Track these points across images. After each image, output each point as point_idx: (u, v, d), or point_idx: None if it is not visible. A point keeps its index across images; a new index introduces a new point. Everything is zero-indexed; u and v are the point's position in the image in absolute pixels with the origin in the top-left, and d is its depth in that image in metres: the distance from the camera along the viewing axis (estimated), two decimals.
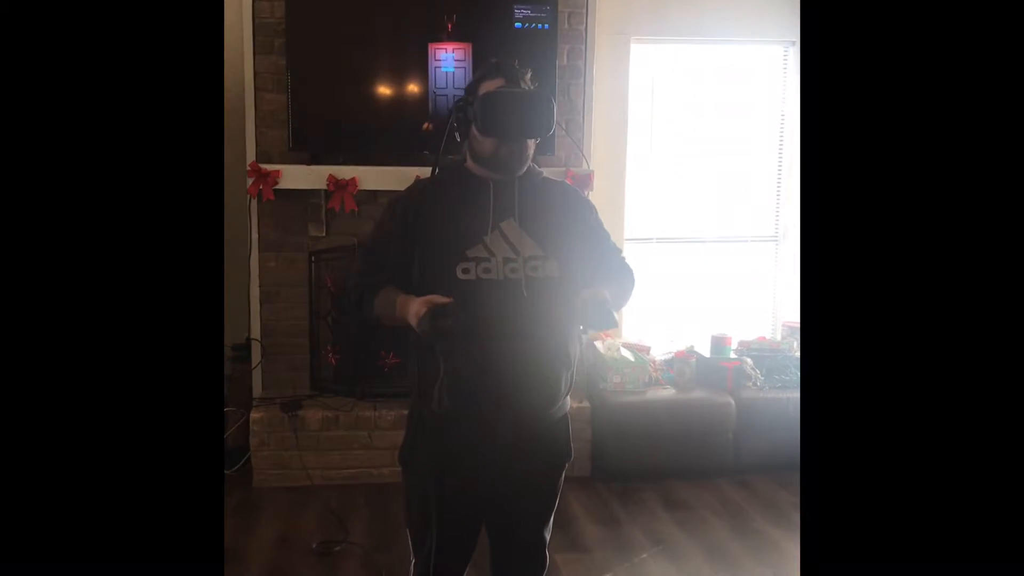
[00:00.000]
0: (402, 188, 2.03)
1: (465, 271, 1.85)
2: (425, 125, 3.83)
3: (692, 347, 4.41)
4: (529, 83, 1.91)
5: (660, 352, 4.43)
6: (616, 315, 1.82)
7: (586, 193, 3.94)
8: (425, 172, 2.00)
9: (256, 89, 3.88)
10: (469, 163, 1.96)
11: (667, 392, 4.17)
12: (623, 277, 2.05)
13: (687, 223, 4.64)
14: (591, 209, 2.06)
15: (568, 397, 2.01)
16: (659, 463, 4.00)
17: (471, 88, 1.93)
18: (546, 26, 3.87)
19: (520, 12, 3.84)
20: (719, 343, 4.37)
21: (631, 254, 4.40)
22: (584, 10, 4.08)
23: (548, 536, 2.08)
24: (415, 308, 1.78)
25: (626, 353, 4.20)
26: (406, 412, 2.05)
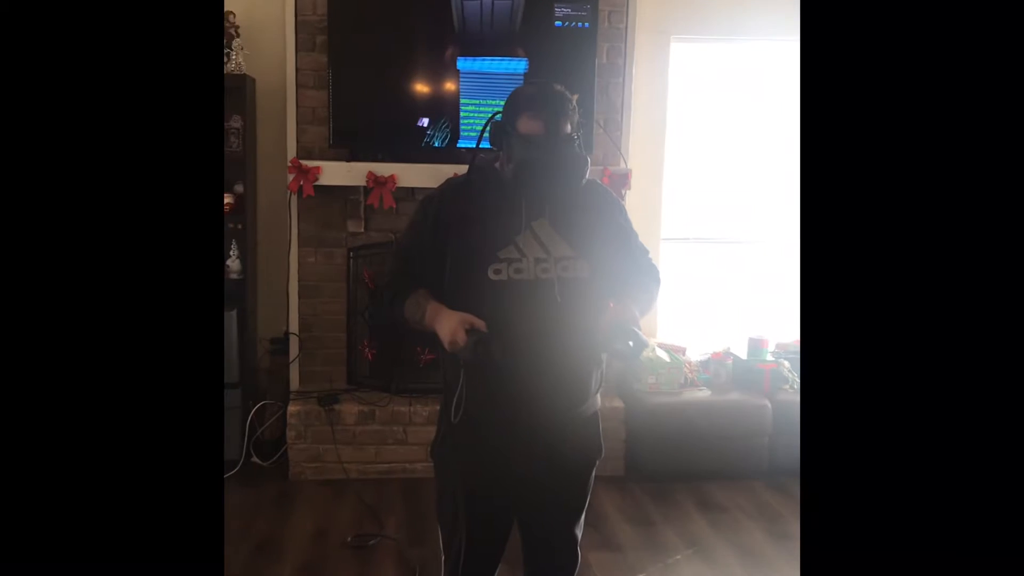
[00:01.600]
0: (439, 185, 2.04)
1: (497, 271, 1.86)
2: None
3: (728, 349, 4.38)
4: (571, 122, 1.87)
5: (696, 353, 4.41)
6: (643, 334, 1.82)
7: (623, 192, 3.94)
8: (462, 170, 2.01)
9: (298, 86, 3.92)
10: (500, 165, 1.96)
11: (703, 394, 4.14)
12: (649, 280, 2.06)
13: (724, 223, 4.61)
14: (621, 209, 2.06)
15: (598, 395, 2.02)
16: (694, 464, 3.98)
17: (510, 112, 1.90)
18: (586, 24, 3.86)
19: (560, 10, 3.83)
20: (756, 345, 4.33)
21: (667, 254, 4.39)
22: (625, 8, 4.07)
23: (580, 533, 2.08)
24: (448, 324, 1.80)
25: (662, 353, 4.18)
26: (438, 408, 2.06)
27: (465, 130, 3.86)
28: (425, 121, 3.87)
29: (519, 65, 3.84)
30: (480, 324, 1.80)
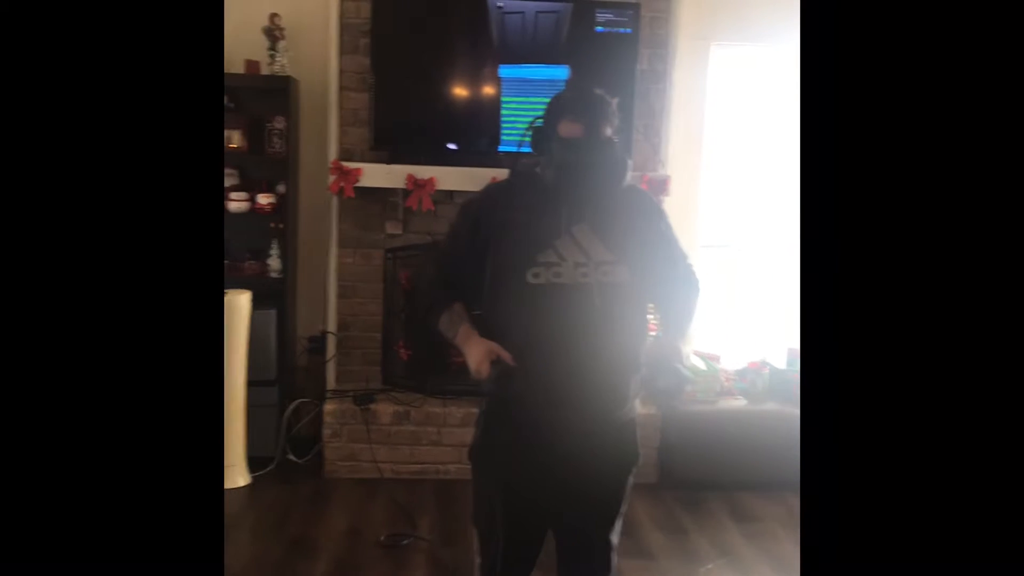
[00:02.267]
0: (478, 189, 2.06)
1: (535, 275, 1.87)
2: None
3: (765, 358, 4.34)
4: (611, 126, 1.88)
5: (732, 362, 4.37)
6: (685, 369, 1.84)
7: (662, 198, 3.92)
8: (501, 174, 2.02)
9: (340, 88, 3.96)
10: (541, 170, 1.96)
11: (738, 403, 4.11)
12: (689, 291, 2.05)
13: (763, 230, 4.57)
14: (661, 215, 2.05)
15: (636, 401, 2.02)
16: (728, 473, 3.95)
17: (550, 117, 1.91)
18: (628, 30, 3.86)
19: (602, 16, 3.84)
20: (794, 355, 4.29)
21: (705, 260, 4.36)
22: (666, 15, 4.06)
23: (616, 540, 2.08)
24: (475, 353, 1.86)
25: (697, 361, 4.16)
26: (474, 410, 2.08)
27: (506, 135, 3.88)
28: (461, 131, 3.89)
29: (560, 72, 3.85)
30: (506, 356, 1.83)
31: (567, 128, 1.86)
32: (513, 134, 3.82)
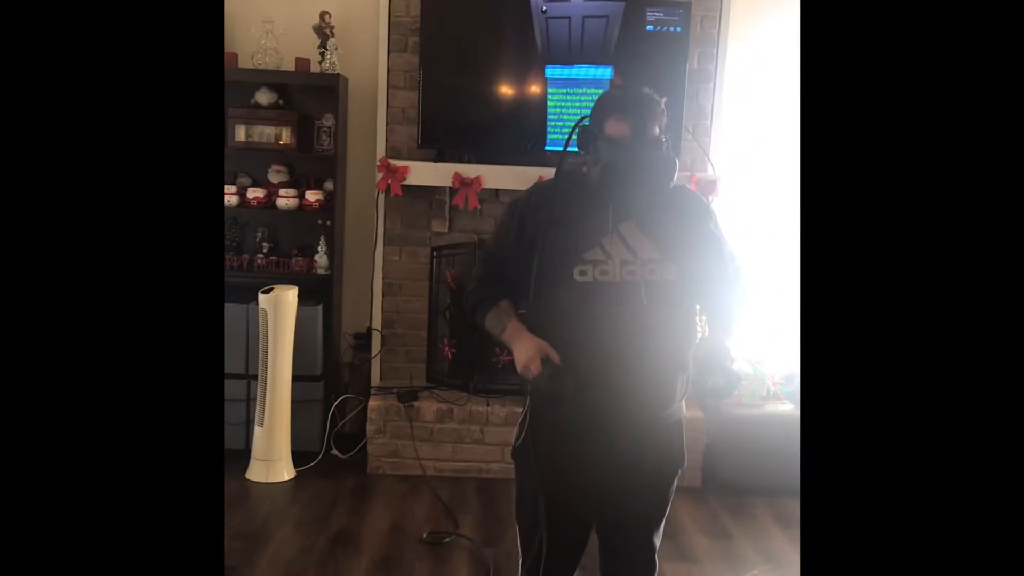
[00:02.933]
0: (524, 188, 2.05)
1: (582, 273, 1.86)
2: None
3: None
4: (659, 125, 1.87)
5: (780, 365, 4.31)
6: (735, 368, 1.84)
7: (711, 199, 3.88)
8: (547, 173, 2.02)
9: (389, 86, 3.99)
10: (588, 169, 1.95)
11: (785, 407, 4.06)
12: (737, 291, 2.02)
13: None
14: (711, 214, 2.03)
15: (683, 402, 1.99)
16: (774, 478, 3.89)
17: (597, 116, 1.91)
18: (678, 29, 3.83)
19: (652, 15, 3.81)
20: None
21: (753, 263, 4.30)
22: (717, 14, 4.01)
23: (658, 542, 2.06)
24: (524, 350, 1.85)
25: (744, 365, 4.11)
26: (517, 409, 2.07)
27: (552, 134, 3.87)
28: (508, 130, 3.90)
29: (605, 72, 3.84)
30: (555, 356, 1.83)
31: (614, 127, 1.85)
32: (559, 133, 3.83)
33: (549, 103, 3.88)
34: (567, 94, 3.87)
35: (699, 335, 1.98)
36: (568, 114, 3.87)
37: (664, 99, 1.90)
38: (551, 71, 3.86)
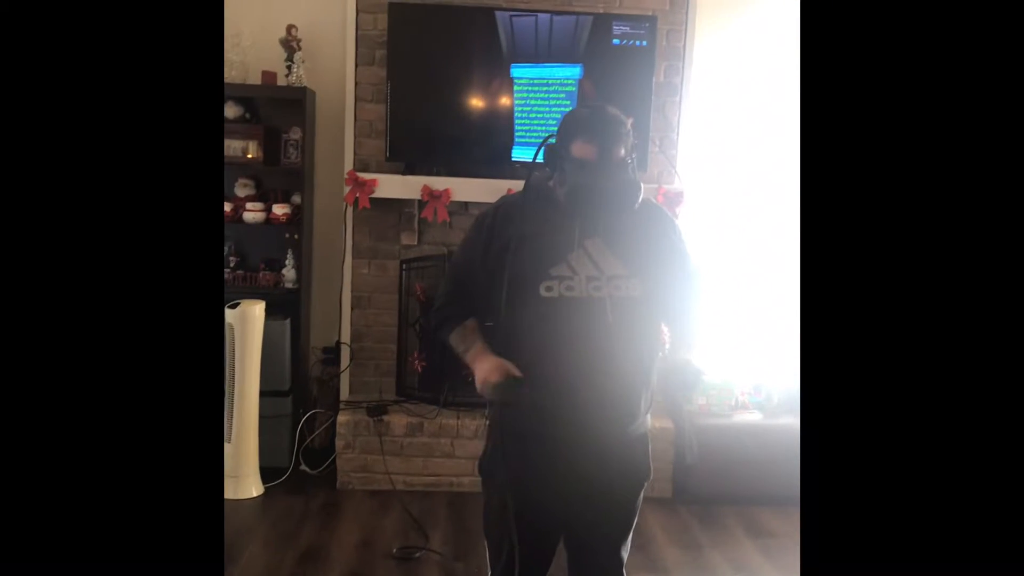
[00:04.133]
0: (493, 200, 2.05)
1: (548, 288, 1.86)
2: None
3: (781, 372, 4.31)
4: (625, 146, 1.86)
5: (747, 376, 4.34)
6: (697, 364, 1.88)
7: (677, 210, 3.91)
8: (516, 185, 2.02)
9: (357, 99, 3.98)
10: (554, 185, 1.95)
11: (754, 417, 4.09)
12: (699, 306, 2.05)
13: (779, 243, 4.53)
14: (676, 229, 2.04)
15: (648, 415, 2.00)
16: (743, 488, 3.92)
17: (563, 135, 1.89)
18: (644, 43, 3.86)
19: (619, 29, 3.84)
20: None
21: (720, 274, 4.33)
22: (683, 27, 4.06)
23: (626, 555, 2.06)
24: (484, 368, 1.87)
25: (713, 375, 4.13)
26: (486, 422, 2.07)
27: (520, 138, 3.87)
28: (477, 142, 3.91)
29: (574, 71, 3.84)
30: (515, 372, 1.84)
31: (580, 149, 1.85)
32: (525, 136, 3.83)
33: (516, 102, 3.86)
34: (534, 94, 3.86)
35: (663, 351, 2.00)
36: (536, 115, 3.86)
37: (631, 120, 1.91)
38: (517, 70, 3.85)
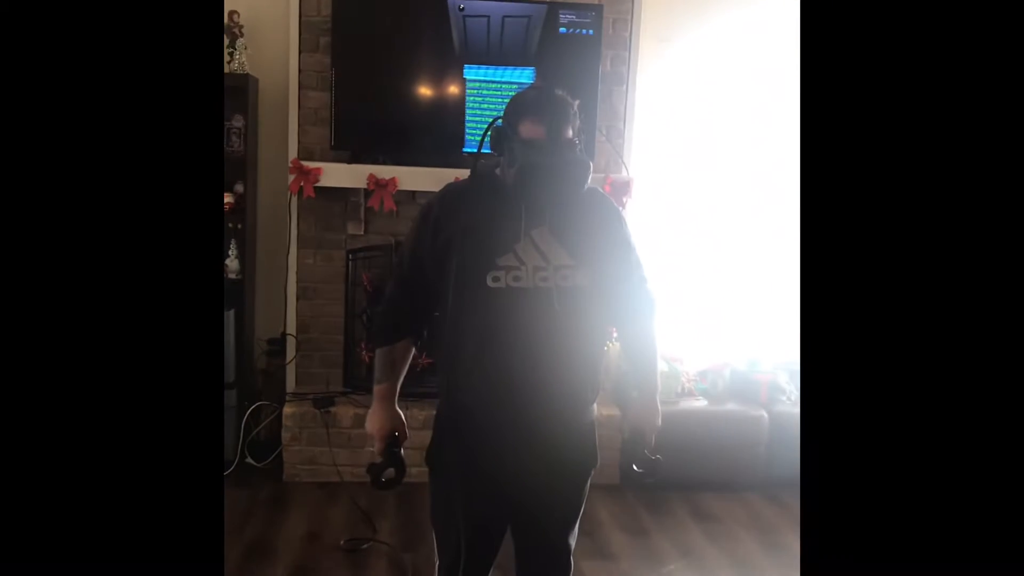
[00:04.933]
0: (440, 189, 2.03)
1: (495, 279, 1.85)
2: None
3: (726, 359, 4.37)
4: (572, 127, 1.87)
5: (693, 363, 4.39)
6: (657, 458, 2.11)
7: (625, 200, 3.93)
8: (464, 174, 2.01)
9: (300, 87, 3.92)
10: (501, 171, 1.94)
11: (699, 403, 4.14)
12: (647, 309, 2.07)
13: (727, 232, 4.59)
14: (621, 220, 2.04)
15: (595, 404, 2.01)
16: (689, 474, 3.96)
17: (511, 117, 1.88)
18: (590, 31, 3.87)
19: (565, 17, 3.84)
20: (754, 355, 4.33)
21: (668, 263, 4.37)
22: (629, 16, 4.07)
23: (573, 543, 2.07)
24: (376, 421, 2.12)
25: (659, 363, 4.16)
26: (434, 412, 2.06)
27: (471, 136, 3.87)
28: (424, 131, 3.88)
29: (525, 74, 3.84)
30: (403, 435, 2.14)
31: (528, 129, 1.85)
32: (477, 135, 3.82)
33: (468, 104, 3.86)
34: (486, 95, 3.86)
35: (609, 349, 2.02)
36: (488, 115, 3.85)
37: (577, 102, 1.91)
38: (470, 71, 3.84)
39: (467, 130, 3.87)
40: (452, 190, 2.00)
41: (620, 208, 2.09)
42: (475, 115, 3.87)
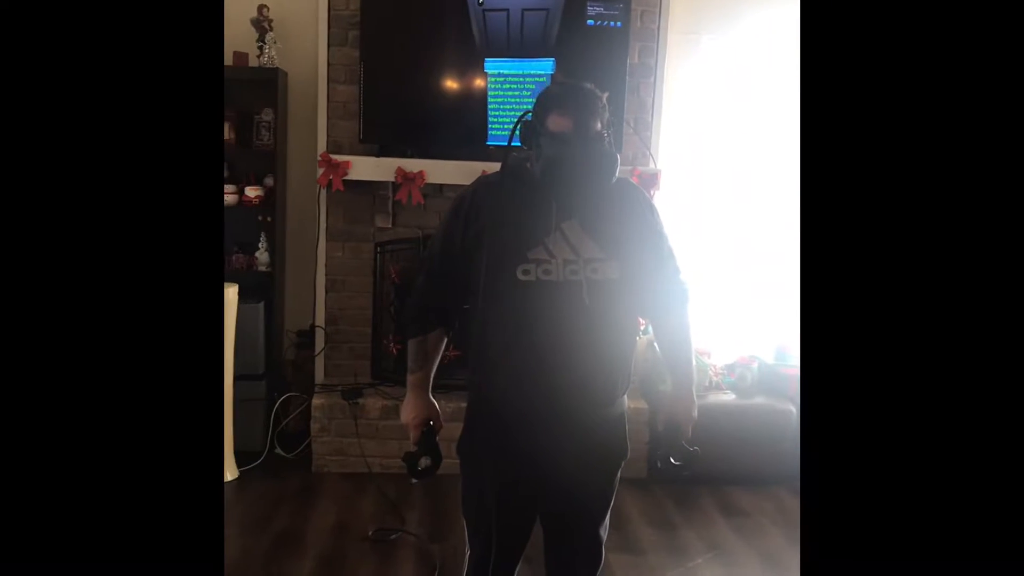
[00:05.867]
0: (468, 182, 2.04)
1: (525, 272, 1.86)
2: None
3: (754, 353, 4.35)
4: (601, 121, 1.86)
5: (722, 356, 4.37)
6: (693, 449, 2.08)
7: (653, 192, 3.91)
8: (491, 168, 2.01)
9: (329, 80, 3.94)
10: (531, 164, 1.94)
11: (727, 397, 4.12)
12: (680, 301, 2.05)
13: (755, 224, 4.56)
14: (652, 210, 2.03)
15: (625, 396, 2.01)
16: (717, 468, 3.95)
17: (539, 111, 1.89)
18: (619, 24, 3.85)
19: (593, 9, 3.82)
20: (783, 349, 4.30)
21: (696, 255, 4.35)
22: (657, 8, 4.05)
23: (604, 535, 2.08)
24: (411, 410, 2.15)
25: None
26: (463, 404, 2.07)
27: (493, 128, 3.87)
28: (450, 124, 3.90)
29: (546, 65, 3.83)
30: (439, 423, 2.15)
31: (556, 123, 1.85)
32: (500, 127, 3.83)
33: (489, 97, 3.86)
34: (507, 88, 3.86)
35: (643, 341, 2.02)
36: (509, 107, 3.86)
37: (606, 95, 1.90)
38: (491, 65, 3.84)
39: (489, 123, 3.87)
40: (484, 183, 2.01)
41: (651, 198, 2.08)
42: (497, 108, 3.87)
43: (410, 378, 2.10)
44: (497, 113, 3.87)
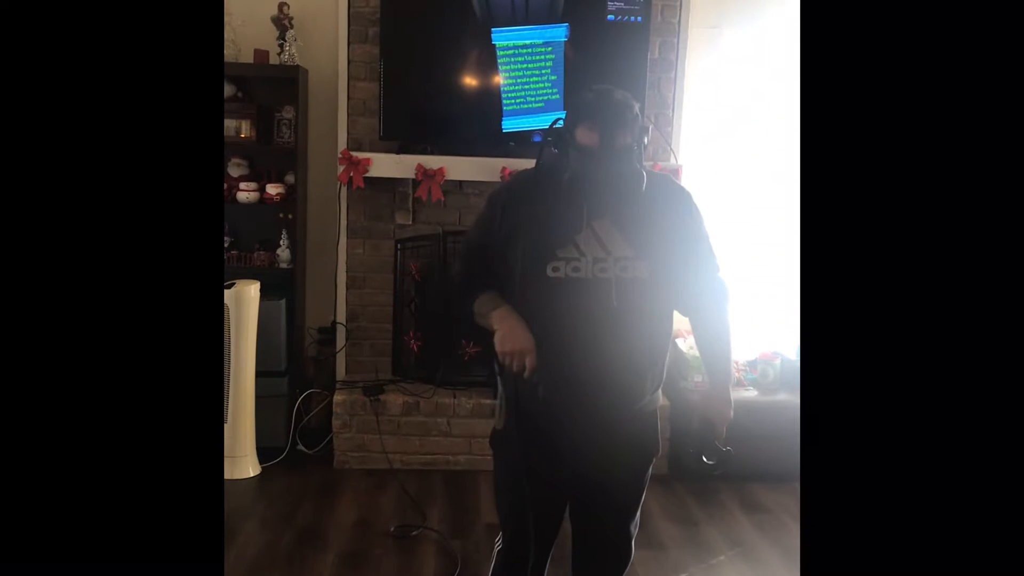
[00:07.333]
0: (488, 179, 2.04)
1: (555, 269, 1.86)
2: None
3: (776, 349, 4.32)
4: (631, 133, 1.84)
5: (744, 353, 4.35)
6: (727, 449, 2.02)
7: None
8: (511, 164, 2.01)
9: (350, 77, 3.95)
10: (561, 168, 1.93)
11: (749, 394, 4.10)
12: (720, 300, 2.02)
13: (776, 219, 4.53)
14: (689, 208, 2.00)
15: (658, 392, 2.00)
16: (739, 465, 3.88)
17: (570, 120, 1.88)
18: (639, 19, 3.83)
19: (613, 5, 3.81)
20: None
21: (719, 251, 4.32)
22: (677, 2, 4.03)
23: (635, 531, 2.08)
24: (516, 338, 1.82)
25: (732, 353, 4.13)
26: (484, 401, 2.08)
27: (507, 107, 3.82)
28: (471, 120, 3.87)
29: (558, 32, 3.78)
30: (532, 358, 1.83)
31: (584, 135, 1.84)
32: (513, 105, 3.78)
33: (501, 71, 3.80)
34: (520, 61, 3.79)
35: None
36: (524, 81, 3.80)
37: (638, 104, 1.88)
38: (498, 36, 3.78)
39: (503, 102, 3.83)
40: (520, 179, 2.01)
41: (690, 196, 2.03)
42: (512, 84, 3.81)
43: (499, 311, 1.88)
44: (512, 89, 3.81)
